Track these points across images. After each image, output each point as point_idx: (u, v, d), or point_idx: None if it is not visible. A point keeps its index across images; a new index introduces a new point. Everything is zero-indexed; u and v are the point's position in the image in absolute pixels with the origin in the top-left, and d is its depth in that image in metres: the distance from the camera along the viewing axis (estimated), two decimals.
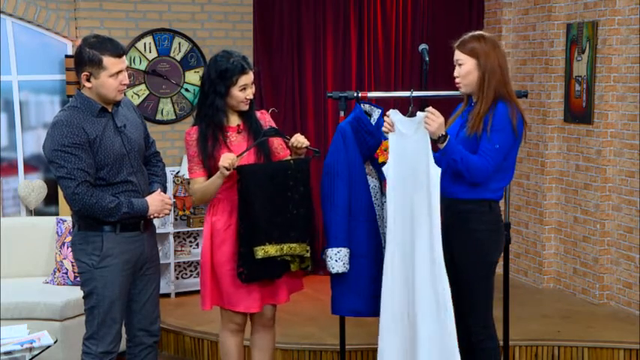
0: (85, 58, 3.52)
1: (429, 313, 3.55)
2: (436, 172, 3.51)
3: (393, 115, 3.65)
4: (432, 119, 3.48)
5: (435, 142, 3.52)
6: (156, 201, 3.70)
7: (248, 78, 3.77)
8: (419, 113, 3.54)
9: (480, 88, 3.63)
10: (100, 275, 3.60)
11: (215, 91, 3.75)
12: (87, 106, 3.57)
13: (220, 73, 3.74)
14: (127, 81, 3.61)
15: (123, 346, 3.91)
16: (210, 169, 3.79)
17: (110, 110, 3.64)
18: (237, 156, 3.72)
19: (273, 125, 3.99)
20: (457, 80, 3.70)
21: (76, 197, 3.50)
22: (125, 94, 3.75)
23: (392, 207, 3.67)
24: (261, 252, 3.74)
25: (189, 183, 3.96)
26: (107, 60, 3.51)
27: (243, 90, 3.77)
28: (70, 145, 3.47)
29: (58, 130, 3.50)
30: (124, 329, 3.81)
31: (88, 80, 3.54)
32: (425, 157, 3.54)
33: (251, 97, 3.81)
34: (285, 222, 3.78)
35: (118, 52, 3.55)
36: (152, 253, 3.83)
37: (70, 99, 3.87)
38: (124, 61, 3.59)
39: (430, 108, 3.52)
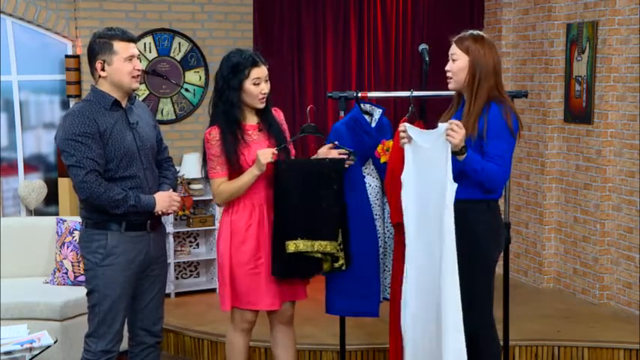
0: (97, 48, 3.61)
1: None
2: (453, 187, 3.40)
3: (410, 130, 3.57)
4: (457, 131, 3.39)
5: (454, 154, 3.45)
6: (164, 197, 3.71)
7: (261, 71, 3.75)
8: (440, 125, 3.46)
9: (470, 87, 3.61)
10: (102, 273, 3.62)
11: (229, 86, 3.73)
12: (100, 100, 3.62)
13: (233, 68, 3.72)
14: (140, 66, 3.66)
15: (125, 345, 3.91)
16: (233, 167, 3.75)
17: (124, 106, 3.67)
18: (277, 150, 3.71)
19: (284, 123, 3.98)
20: (448, 75, 3.66)
21: (84, 185, 3.53)
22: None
23: (413, 224, 3.59)
24: (292, 246, 3.74)
25: (208, 183, 3.86)
26: (117, 44, 3.59)
27: (257, 84, 3.75)
28: (80, 134, 3.52)
29: (70, 120, 3.57)
30: (126, 329, 3.81)
31: (103, 69, 3.61)
32: (444, 171, 3.43)
33: (266, 92, 3.78)
34: (318, 219, 3.78)
35: (128, 37, 3.63)
36: (158, 254, 3.82)
37: (85, 95, 3.92)
38: (136, 48, 3.66)
39: (454, 120, 3.45)
